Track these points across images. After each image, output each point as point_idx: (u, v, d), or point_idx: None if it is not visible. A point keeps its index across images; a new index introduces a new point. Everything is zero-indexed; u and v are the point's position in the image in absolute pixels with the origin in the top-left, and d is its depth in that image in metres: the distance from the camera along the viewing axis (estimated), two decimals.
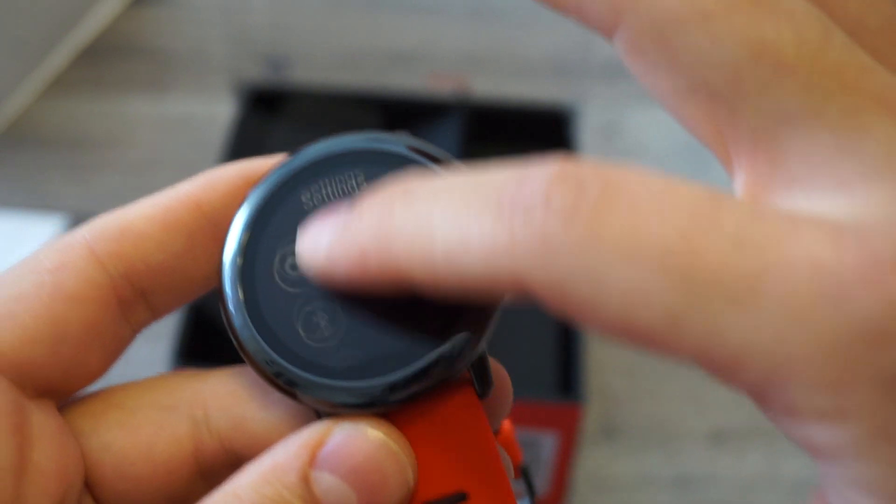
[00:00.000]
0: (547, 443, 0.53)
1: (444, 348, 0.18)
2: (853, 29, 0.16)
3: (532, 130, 0.66)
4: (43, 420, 0.19)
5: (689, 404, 0.59)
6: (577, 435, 0.53)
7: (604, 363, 0.61)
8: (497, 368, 0.20)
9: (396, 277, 0.16)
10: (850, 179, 0.15)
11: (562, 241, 0.14)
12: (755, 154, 0.16)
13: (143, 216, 0.20)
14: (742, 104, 0.16)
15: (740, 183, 0.17)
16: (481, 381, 0.19)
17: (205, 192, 0.20)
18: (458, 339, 0.18)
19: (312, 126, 0.66)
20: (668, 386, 0.60)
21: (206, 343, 0.54)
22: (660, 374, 0.61)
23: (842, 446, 0.14)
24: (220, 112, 0.71)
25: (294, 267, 0.19)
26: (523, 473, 0.26)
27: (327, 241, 0.17)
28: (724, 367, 0.14)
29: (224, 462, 0.20)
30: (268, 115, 0.67)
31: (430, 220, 0.15)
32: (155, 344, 0.56)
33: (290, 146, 0.20)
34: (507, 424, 0.23)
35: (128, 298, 0.20)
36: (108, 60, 0.75)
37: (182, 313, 0.53)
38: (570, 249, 0.14)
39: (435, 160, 0.20)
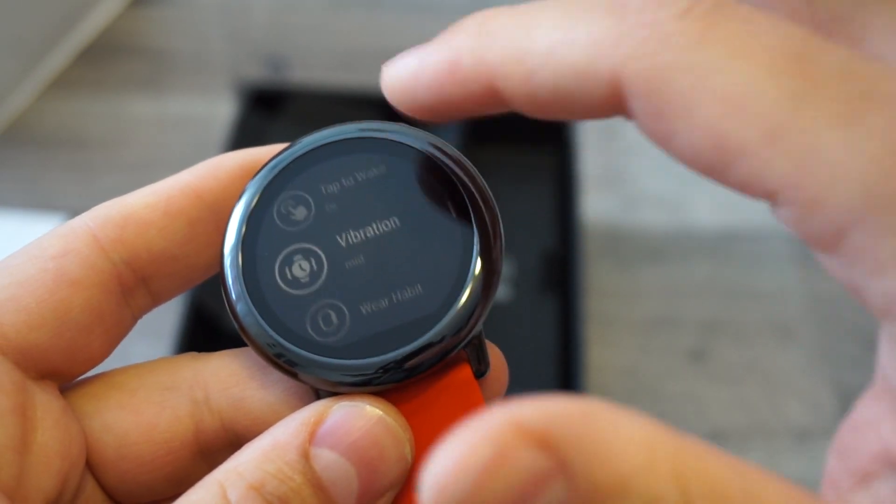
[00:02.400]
0: None
1: (442, 328, 0.19)
2: None
3: (532, 130, 0.66)
4: (46, 401, 0.19)
5: (689, 404, 0.59)
6: None
7: (604, 363, 0.61)
8: (493, 350, 0.20)
9: (488, 79, 0.15)
10: None
11: (673, 32, 0.14)
12: (837, 35, 0.16)
13: (145, 204, 0.20)
14: None
15: None
16: (478, 361, 0.20)
17: (206, 181, 0.20)
18: (455, 319, 0.19)
19: (312, 126, 0.66)
20: (668, 386, 0.60)
21: (205, 341, 0.54)
22: (660, 374, 0.61)
23: None
24: (220, 112, 0.71)
25: (293, 254, 0.19)
26: None
27: (414, 55, 0.16)
28: (811, 196, 0.13)
29: (225, 442, 0.20)
30: (268, 114, 0.67)
31: (534, 19, 0.15)
32: (155, 342, 0.56)
33: None
34: None
35: (130, 284, 0.20)
36: (108, 60, 0.75)
37: (182, 311, 0.54)
38: (680, 40, 0.14)
39: (433, 145, 0.20)
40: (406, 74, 0.17)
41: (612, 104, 0.14)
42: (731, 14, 0.14)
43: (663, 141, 0.14)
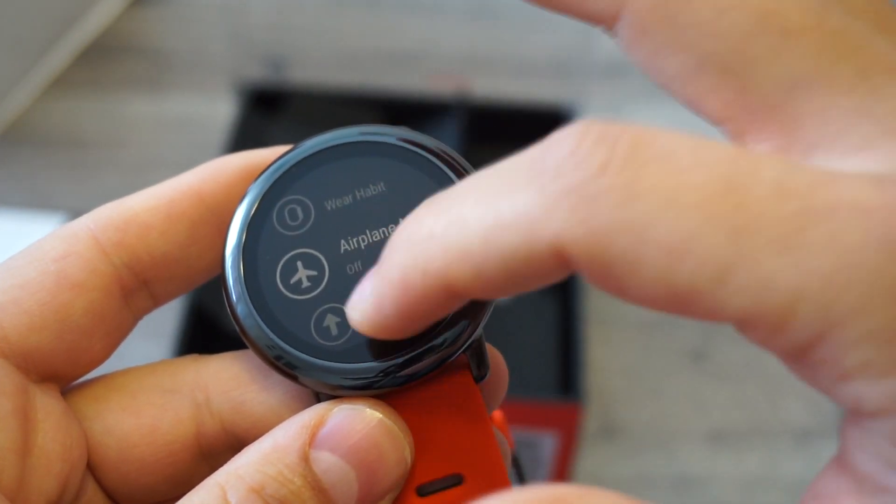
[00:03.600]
0: (547, 443, 0.53)
1: (442, 332, 0.19)
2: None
3: (532, 130, 0.66)
4: (47, 404, 0.19)
5: (689, 404, 0.59)
6: (577, 435, 0.53)
7: (604, 363, 0.61)
8: (494, 353, 0.20)
9: (442, 286, 0.15)
10: (871, 139, 0.15)
11: (597, 193, 0.14)
12: (770, 123, 0.16)
13: (146, 207, 0.20)
14: (753, 73, 0.16)
15: None
16: (478, 365, 0.20)
17: (207, 184, 0.20)
18: (455, 324, 0.19)
19: (312, 126, 0.66)
20: (668, 386, 0.60)
21: (205, 342, 0.54)
22: (660, 374, 0.61)
23: (892, 402, 0.14)
24: (220, 112, 0.71)
25: (294, 258, 0.19)
26: (514, 461, 0.27)
27: (369, 288, 0.17)
28: (772, 323, 0.14)
29: (225, 444, 0.20)
30: (268, 115, 0.67)
31: (460, 214, 0.15)
32: (155, 343, 0.56)
33: (292, 146, 0.21)
34: (497, 413, 0.23)
35: (130, 287, 0.20)
36: (108, 60, 0.75)
37: (182, 313, 0.54)
38: (608, 200, 0.14)
39: (425, 149, 0.20)
40: (369, 310, 0.17)
41: (565, 268, 0.15)
42: (649, 157, 0.14)
43: (617, 293, 0.14)
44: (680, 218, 0.14)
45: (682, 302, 0.14)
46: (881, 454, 0.14)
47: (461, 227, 0.15)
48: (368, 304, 0.17)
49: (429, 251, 0.15)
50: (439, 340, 0.19)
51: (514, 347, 0.58)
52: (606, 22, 0.17)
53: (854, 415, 0.14)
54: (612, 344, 0.62)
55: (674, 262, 0.14)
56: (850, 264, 0.13)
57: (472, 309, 0.19)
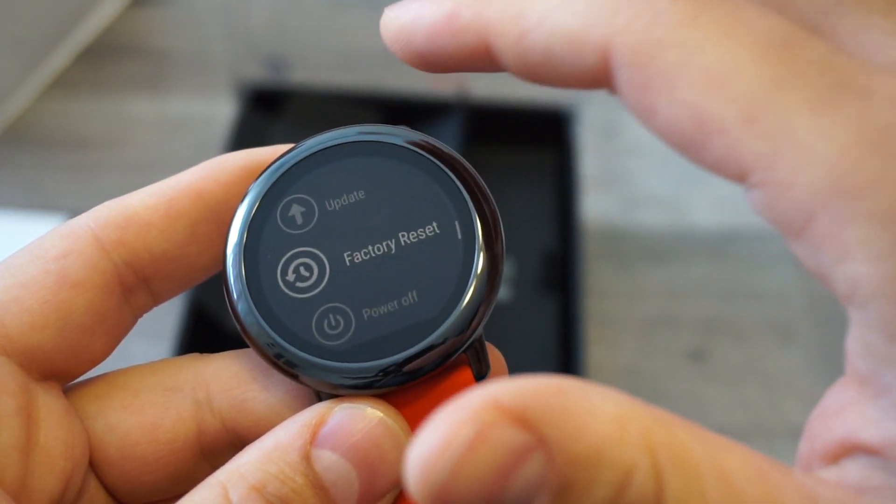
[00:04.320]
0: None
1: (443, 331, 0.19)
2: None
3: (532, 130, 0.66)
4: (49, 402, 0.19)
5: (689, 404, 0.59)
6: None
7: (604, 363, 0.61)
8: (494, 352, 0.20)
9: (483, 36, 0.16)
10: None
11: (665, 10, 0.14)
12: None
13: (146, 205, 0.20)
14: None
15: None
16: (479, 364, 0.20)
17: (207, 182, 0.20)
18: (457, 322, 0.19)
19: (312, 126, 0.66)
20: (668, 386, 0.60)
21: (206, 342, 0.54)
22: (660, 374, 0.61)
23: (887, 285, 0.14)
24: (220, 112, 0.71)
25: (295, 256, 0.20)
26: None
27: (417, 4, 0.17)
28: (784, 177, 0.14)
29: (226, 443, 0.20)
30: (268, 115, 0.67)
31: None
32: (156, 343, 0.56)
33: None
34: None
35: (131, 285, 0.20)
36: (108, 60, 0.75)
37: (183, 312, 0.54)
38: (672, 19, 0.14)
39: (424, 147, 0.20)
40: (405, 19, 0.17)
41: (599, 75, 0.15)
42: (722, 1, 0.15)
43: (645, 114, 0.15)
44: (730, 52, 0.14)
45: (703, 134, 0.14)
46: (874, 350, 0.14)
47: None
48: (408, 12, 0.17)
49: (489, 1, 0.16)
50: (440, 339, 0.19)
51: (514, 347, 0.58)
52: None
53: (849, 303, 0.14)
54: (612, 344, 0.62)
55: (711, 90, 0.14)
56: (872, 141, 0.14)
57: (473, 308, 0.19)
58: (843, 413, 0.15)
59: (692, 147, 0.15)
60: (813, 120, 0.14)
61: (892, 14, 0.16)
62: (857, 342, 0.15)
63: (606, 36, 0.15)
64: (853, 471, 0.15)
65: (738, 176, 0.15)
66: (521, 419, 0.13)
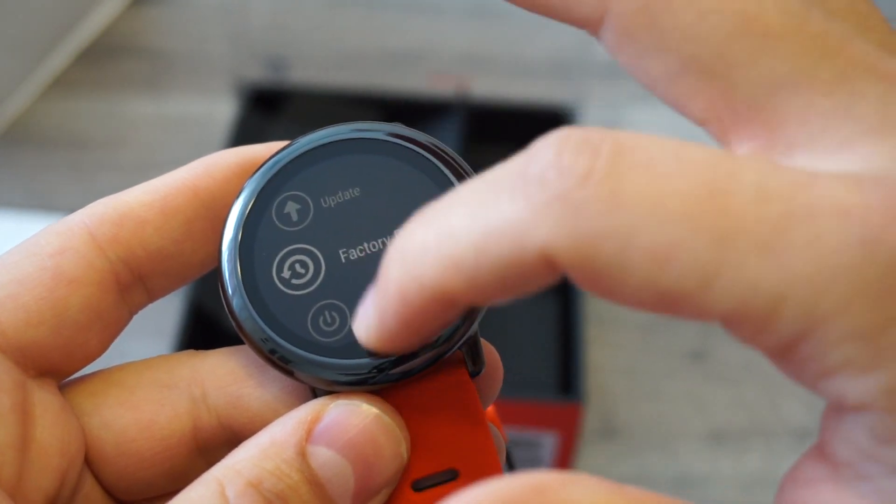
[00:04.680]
0: (547, 443, 0.53)
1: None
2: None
3: (532, 130, 0.66)
4: (44, 398, 0.19)
5: (689, 404, 0.59)
6: (577, 435, 0.53)
7: (604, 363, 0.61)
8: (489, 349, 0.20)
9: (438, 297, 0.16)
10: (850, 139, 0.15)
11: (582, 201, 0.14)
12: (752, 124, 0.16)
13: (142, 202, 0.20)
14: (734, 75, 0.16)
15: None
16: (473, 361, 0.20)
17: (202, 179, 0.20)
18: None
19: (312, 126, 0.66)
20: (668, 386, 0.60)
21: (205, 340, 0.54)
22: (660, 374, 0.61)
23: (872, 398, 0.14)
24: (220, 112, 0.71)
25: (291, 253, 0.20)
26: (506, 455, 0.27)
27: (371, 306, 0.17)
28: (755, 324, 0.14)
29: (222, 439, 0.20)
30: (268, 115, 0.67)
31: (449, 226, 0.15)
32: (155, 341, 0.56)
33: None
34: (490, 408, 0.23)
35: (126, 282, 0.20)
36: (108, 60, 0.76)
37: (181, 311, 0.54)
38: (593, 208, 0.14)
39: (420, 145, 0.20)
40: (373, 328, 0.17)
41: (557, 272, 0.15)
42: (631, 164, 0.14)
43: (605, 295, 0.15)
44: (664, 225, 0.14)
45: (669, 304, 0.14)
46: (859, 446, 0.15)
47: (452, 238, 0.15)
48: (372, 321, 0.17)
49: (422, 264, 0.16)
50: (434, 336, 0.19)
51: (514, 347, 0.58)
52: (591, 26, 0.17)
53: (836, 408, 0.15)
54: (612, 344, 0.62)
55: (660, 268, 0.14)
56: (830, 265, 0.14)
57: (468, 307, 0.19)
58: (818, 487, 0.15)
59: (664, 312, 0.15)
60: (767, 262, 0.14)
61: (837, 91, 0.15)
62: (839, 433, 0.15)
63: (538, 247, 0.14)
64: None
65: (718, 322, 0.15)
66: None
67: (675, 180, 0.14)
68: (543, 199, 0.14)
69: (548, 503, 0.14)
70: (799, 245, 0.14)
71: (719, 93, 0.16)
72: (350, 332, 0.19)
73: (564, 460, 0.54)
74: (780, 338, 0.14)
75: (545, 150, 0.15)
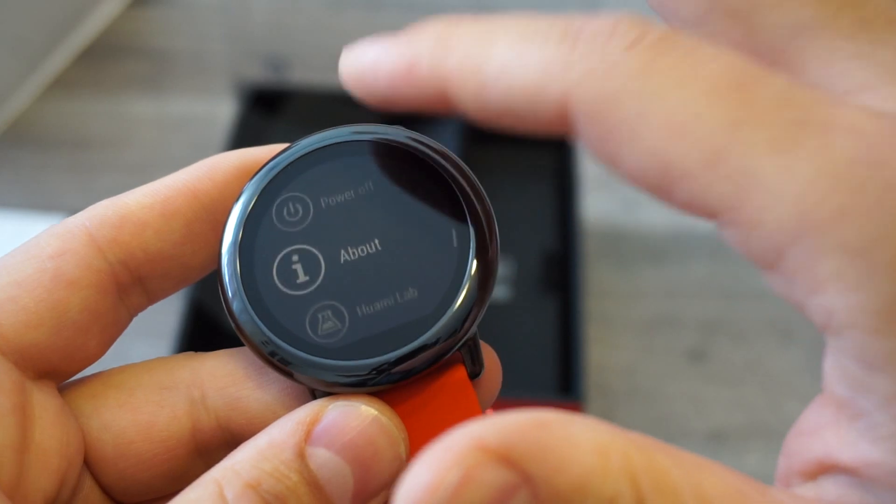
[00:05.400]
0: None
1: (437, 330, 0.19)
2: None
3: None
4: (44, 400, 0.19)
5: (689, 404, 0.59)
6: None
7: (603, 363, 0.61)
8: (488, 351, 0.20)
9: (440, 87, 0.16)
10: (870, 82, 0.16)
11: (620, 61, 0.14)
12: (775, 65, 0.16)
13: (141, 205, 0.20)
14: (758, 18, 0.16)
15: None
16: (473, 362, 0.20)
17: (202, 182, 0.20)
18: (451, 321, 0.19)
19: (312, 126, 0.66)
20: (668, 386, 0.60)
21: (205, 341, 0.54)
22: (660, 374, 0.61)
23: (859, 317, 0.14)
24: (220, 112, 0.71)
25: (290, 254, 0.20)
26: None
27: (376, 45, 0.17)
28: (751, 216, 0.14)
29: (221, 441, 0.20)
30: (268, 115, 0.67)
31: (492, 35, 0.16)
32: (155, 342, 0.56)
33: None
34: (489, 411, 0.23)
35: (126, 284, 0.20)
36: (108, 61, 0.76)
37: (181, 312, 0.54)
38: (627, 69, 0.14)
39: (419, 146, 0.20)
40: (364, 65, 0.17)
41: (560, 124, 0.15)
42: (675, 45, 0.15)
43: (609, 162, 0.15)
44: (688, 98, 0.14)
45: (669, 180, 0.15)
46: (851, 376, 0.15)
47: (487, 48, 0.16)
48: (368, 59, 0.17)
49: (448, 53, 0.16)
50: (433, 339, 0.19)
51: (514, 347, 0.58)
52: None
53: (825, 332, 0.15)
54: (612, 344, 0.62)
55: (672, 137, 0.14)
56: (833, 173, 0.14)
57: (468, 307, 0.19)
58: (821, 433, 0.15)
59: (659, 192, 0.15)
60: (774, 158, 0.14)
61: (858, 37, 0.16)
62: (834, 367, 0.15)
63: (563, 89, 0.15)
64: (831, 489, 0.15)
65: (709, 216, 0.15)
66: (505, 458, 0.14)
67: (710, 67, 0.14)
68: (587, 49, 0.15)
69: (550, 438, 0.14)
70: (808, 150, 0.14)
71: (743, 34, 0.17)
72: (349, 333, 0.19)
73: None
74: (772, 238, 0.14)
75: (602, 19, 0.15)
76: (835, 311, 0.14)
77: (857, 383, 0.15)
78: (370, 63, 0.17)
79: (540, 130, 0.16)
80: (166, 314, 0.56)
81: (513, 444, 0.14)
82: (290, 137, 0.21)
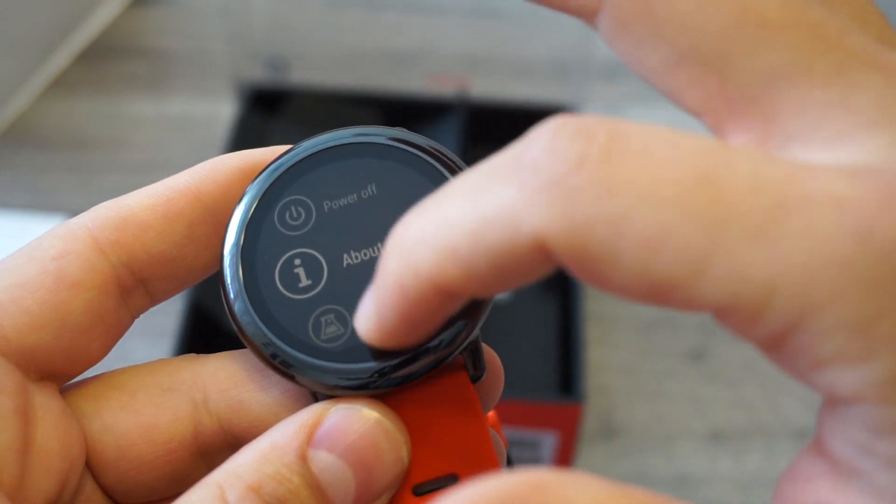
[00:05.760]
0: (547, 443, 0.53)
1: (439, 333, 0.19)
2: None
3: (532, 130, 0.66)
4: (46, 402, 0.19)
5: (689, 404, 0.59)
6: (577, 435, 0.53)
7: (604, 363, 0.61)
8: (490, 354, 0.20)
9: (435, 287, 0.15)
10: (847, 131, 0.15)
11: (575, 186, 0.14)
12: (748, 115, 0.16)
13: (144, 206, 0.20)
14: (731, 66, 0.16)
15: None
16: (475, 365, 0.20)
17: (205, 184, 0.20)
18: (453, 325, 0.19)
19: (312, 126, 0.66)
20: (668, 386, 0.60)
21: (206, 342, 0.54)
22: (659, 374, 0.61)
23: (865, 389, 0.14)
24: (220, 112, 0.71)
25: (293, 257, 0.20)
26: (507, 460, 0.27)
27: (370, 299, 0.17)
28: (748, 313, 0.14)
29: (223, 443, 0.20)
30: (268, 115, 0.67)
31: (445, 215, 0.15)
32: (156, 342, 0.56)
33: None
34: (491, 413, 0.23)
35: (128, 285, 0.20)
36: (109, 61, 0.76)
37: (182, 312, 0.54)
38: (585, 194, 0.14)
39: (422, 149, 0.20)
40: (373, 322, 0.17)
41: (551, 261, 0.15)
42: (624, 151, 0.14)
43: (598, 284, 0.15)
44: (656, 212, 0.14)
45: (661, 293, 0.14)
46: (854, 440, 0.14)
47: (447, 227, 0.15)
48: (371, 313, 0.17)
49: (419, 254, 0.16)
50: (436, 342, 0.19)
51: (514, 347, 0.58)
52: (587, 15, 0.17)
53: (829, 401, 0.15)
54: (612, 344, 0.62)
55: (651, 255, 0.14)
56: (823, 254, 0.13)
57: (469, 310, 0.19)
58: (815, 482, 0.15)
59: (654, 302, 0.15)
60: (758, 250, 0.14)
61: (833, 83, 0.15)
62: (833, 428, 0.15)
63: (532, 233, 0.14)
64: None
65: (709, 313, 0.15)
66: None
67: (668, 167, 0.14)
68: (537, 184, 0.14)
69: (547, 502, 0.14)
70: (792, 234, 0.14)
71: (716, 84, 0.16)
72: (351, 336, 0.19)
73: (564, 460, 0.54)
74: (772, 328, 0.14)
75: (540, 137, 0.15)
76: (839, 386, 0.14)
77: (860, 447, 0.14)
78: (375, 318, 0.17)
79: (536, 274, 0.15)
80: (167, 314, 0.56)
81: None
82: (291, 137, 0.21)
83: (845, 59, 0.15)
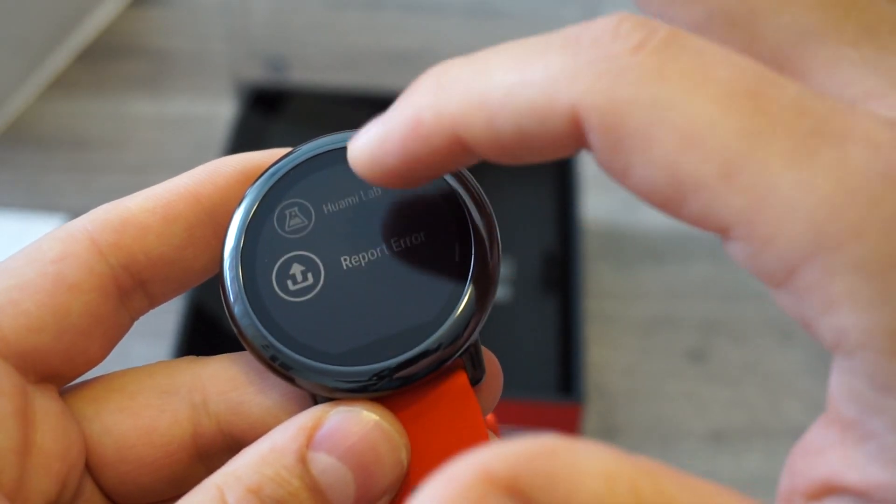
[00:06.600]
0: None
1: (438, 337, 0.19)
2: None
3: None
4: (45, 404, 0.19)
5: (689, 404, 0.59)
6: (577, 435, 0.53)
7: (603, 363, 0.61)
8: (489, 357, 0.20)
9: (452, 132, 0.15)
10: (876, 90, 0.15)
11: (628, 66, 0.14)
12: (779, 73, 0.16)
13: (143, 209, 0.20)
14: (761, 24, 0.16)
15: None
16: (474, 368, 0.20)
17: (204, 186, 0.20)
18: (452, 328, 0.19)
19: (312, 126, 0.66)
20: (668, 386, 0.60)
21: (206, 342, 0.54)
22: (660, 374, 0.61)
23: (874, 336, 0.14)
24: (220, 112, 0.71)
25: (293, 260, 0.20)
26: None
27: (378, 123, 0.17)
28: (765, 232, 0.14)
29: (222, 446, 0.20)
30: (268, 115, 0.67)
31: (488, 66, 0.15)
32: (155, 343, 0.56)
33: (291, 146, 0.21)
34: (490, 416, 0.23)
35: (127, 288, 0.20)
36: (109, 61, 0.76)
37: (182, 314, 0.54)
38: (636, 75, 0.14)
39: None
40: (372, 143, 0.17)
41: (575, 139, 0.15)
42: (684, 47, 0.14)
43: (620, 175, 0.15)
44: (701, 106, 0.14)
45: (681, 193, 0.14)
46: (861, 397, 0.14)
47: (486, 77, 0.15)
48: (374, 136, 0.17)
49: (449, 94, 0.15)
50: (434, 345, 0.19)
51: (514, 347, 0.58)
52: None
53: (835, 351, 0.14)
54: (612, 344, 0.62)
55: (685, 148, 0.14)
56: (851, 189, 0.13)
57: (469, 313, 0.19)
58: (826, 453, 0.15)
59: (670, 205, 0.14)
60: (790, 171, 0.13)
61: (863, 44, 0.15)
62: (842, 387, 0.15)
63: (572, 101, 0.14)
64: None
65: (719, 231, 0.14)
66: (512, 488, 0.13)
67: (722, 70, 0.14)
68: (590, 57, 0.14)
69: (557, 466, 0.13)
70: (824, 163, 0.13)
71: (745, 43, 0.16)
72: (351, 338, 0.19)
73: None
74: (785, 255, 0.14)
75: (605, 20, 0.15)
76: (847, 331, 0.14)
77: (867, 404, 0.14)
78: (377, 139, 0.17)
79: (558, 151, 0.15)
80: (166, 315, 0.56)
81: (520, 473, 0.13)
82: (291, 137, 0.21)
83: (873, 23, 0.16)
